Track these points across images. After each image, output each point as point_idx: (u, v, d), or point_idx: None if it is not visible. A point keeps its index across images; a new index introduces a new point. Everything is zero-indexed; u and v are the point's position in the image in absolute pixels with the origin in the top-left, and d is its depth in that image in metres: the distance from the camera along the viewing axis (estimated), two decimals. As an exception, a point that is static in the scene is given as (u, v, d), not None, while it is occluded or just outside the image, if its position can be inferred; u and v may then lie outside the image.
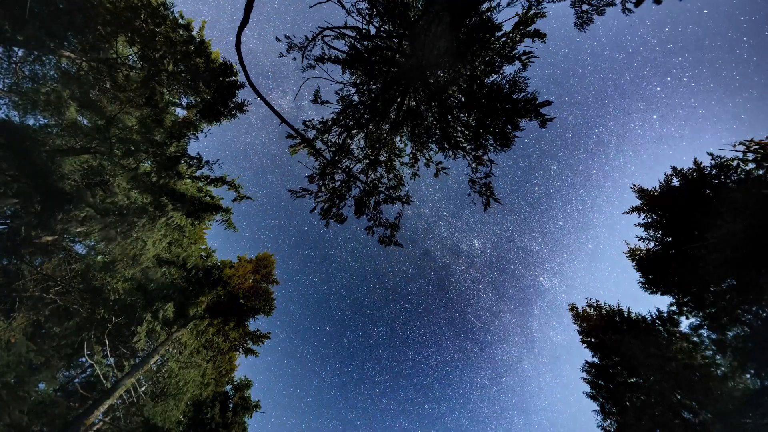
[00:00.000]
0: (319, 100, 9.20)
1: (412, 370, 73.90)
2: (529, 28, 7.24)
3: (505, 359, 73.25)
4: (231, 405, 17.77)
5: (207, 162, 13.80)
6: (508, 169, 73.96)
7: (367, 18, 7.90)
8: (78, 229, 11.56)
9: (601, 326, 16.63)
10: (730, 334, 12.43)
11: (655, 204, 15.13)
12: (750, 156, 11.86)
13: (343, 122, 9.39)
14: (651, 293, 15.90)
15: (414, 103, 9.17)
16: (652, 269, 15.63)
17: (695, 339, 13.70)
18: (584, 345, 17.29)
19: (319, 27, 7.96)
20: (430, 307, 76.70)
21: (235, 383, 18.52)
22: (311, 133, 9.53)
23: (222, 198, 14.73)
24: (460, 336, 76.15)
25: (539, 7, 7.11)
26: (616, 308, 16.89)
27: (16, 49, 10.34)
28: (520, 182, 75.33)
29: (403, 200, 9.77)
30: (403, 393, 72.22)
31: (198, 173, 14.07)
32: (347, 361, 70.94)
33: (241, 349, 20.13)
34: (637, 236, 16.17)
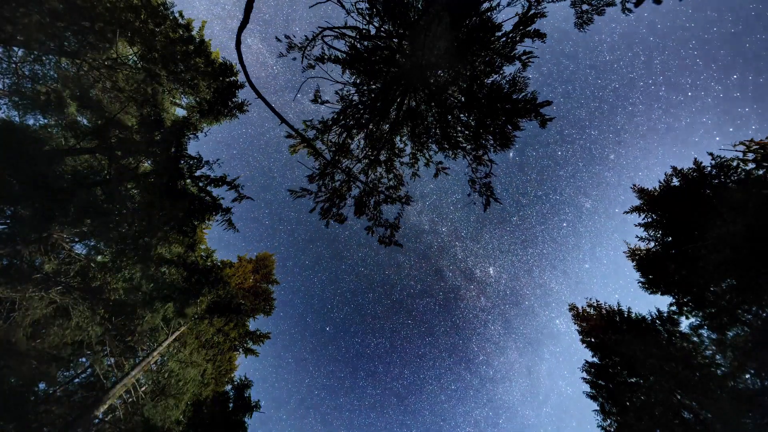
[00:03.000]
0: (319, 100, 9.20)
1: (405, 389, 70.44)
2: (529, 28, 7.23)
3: (506, 400, 68.27)
4: (231, 405, 17.77)
5: (207, 162, 13.78)
6: (536, 200, 69.24)
7: (367, 18, 7.90)
8: (78, 229, 11.56)
9: (601, 326, 16.63)
10: (730, 334, 12.43)
11: (655, 204, 15.13)
12: (750, 156, 11.86)
13: (343, 122, 9.39)
14: (651, 293, 15.89)
15: (414, 103, 9.17)
16: (652, 269, 15.62)
17: (695, 339, 13.70)
18: (584, 345, 17.29)
19: (319, 27, 7.97)
20: (434, 328, 73.01)
21: (235, 383, 18.51)
22: (311, 133, 9.53)
23: (222, 198, 14.72)
24: (460, 365, 72.07)
25: (539, 7, 7.10)
26: (616, 308, 16.88)
27: (16, 49, 10.33)
28: (547, 215, 70.07)
29: (403, 200, 9.77)
30: (393, 412, 68.79)
31: (198, 173, 14.06)
32: (342, 367, 68.81)
33: (241, 349, 20.13)
34: (637, 236, 16.18)
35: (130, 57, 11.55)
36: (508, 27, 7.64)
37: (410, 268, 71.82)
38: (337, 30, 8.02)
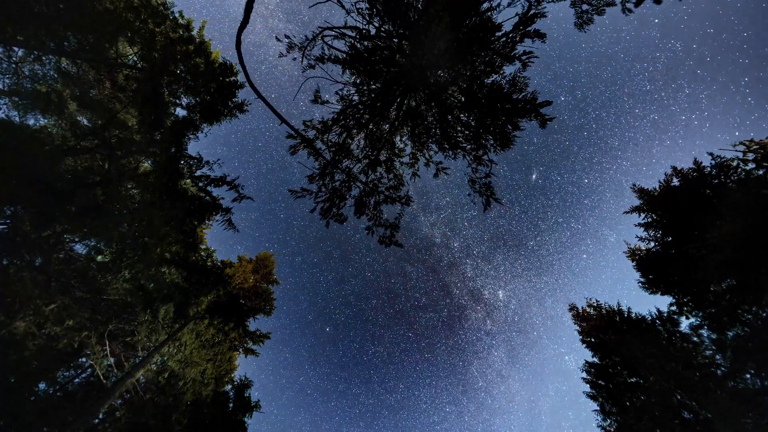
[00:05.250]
0: (319, 100, 9.20)
1: (398, 404, 66.44)
2: (529, 28, 7.24)
3: None
4: (231, 405, 17.77)
5: (207, 162, 13.78)
6: (556, 226, 64.80)
7: (367, 18, 7.90)
8: (78, 229, 11.55)
9: (601, 326, 16.62)
10: (730, 334, 12.42)
11: (655, 204, 15.13)
12: (750, 156, 11.86)
13: (343, 122, 9.39)
14: (651, 293, 15.89)
15: (414, 103, 9.17)
16: (652, 269, 15.62)
17: (695, 339, 13.69)
18: (584, 345, 17.29)
19: (319, 27, 7.97)
20: (434, 344, 69.52)
21: (235, 383, 18.51)
22: (311, 133, 9.53)
23: (222, 198, 14.73)
24: (457, 387, 67.66)
25: (539, 7, 7.11)
26: (616, 308, 16.88)
27: (16, 49, 10.33)
28: (567, 244, 64.60)
29: (403, 201, 9.77)
30: (383, 425, 65.10)
31: (198, 173, 14.07)
32: (337, 370, 66.03)
33: (241, 349, 20.12)
34: (637, 236, 16.17)
35: (130, 57, 11.55)
36: (508, 27, 7.64)
37: (417, 279, 68.35)
38: (337, 30, 8.02)
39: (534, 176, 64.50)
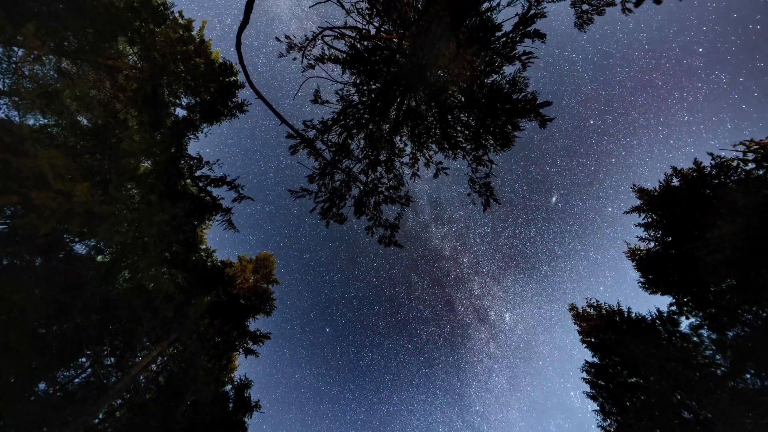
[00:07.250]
0: (319, 100, 9.20)
1: (390, 416, 64.23)
2: (529, 29, 7.24)
3: (499, 462, 60.15)
4: (231, 405, 17.77)
5: (207, 162, 13.78)
6: (574, 254, 61.79)
7: (367, 18, 7.90)
8: (78, 229, 11.55)
9: (601, 326, 16.62)
10: (730, 334, 12.42)
11: (655, 204, 15.12)
12: (750, 156, 11.86)
13: (343, 122, 9.39)
14: (651, 293, 15.89)
15: (414, 103, 9.17)
16: (652, 269, 15.62)
17: (695, 339, 13.69)
18: (584, 345, 17.28)
19: (319, 27, 7.97)
20: (433, 360, 67.34)
21: (235, 383, 18.52)
22: (311, 133, 9.53)
23: (222, 198, 14.74)
24: (453, 408, 65.04)
25: (539, 7, 7.11)
26: (616, 308, 16.88)
27: (16, 49, 10.32)
28: (583, 274, 60.70)
29: (403, 201, 9.77)
30: None
31: (198, 173, 14.07)
32: (332, 373, 64.71)
33: (241, 349, 20.12)
34: (637, 236, 16.18)
35: (130, 57, 11.55)
36: (508, 27, 7.63)
37: (422, 291, 66.59)
38: (337, 30, 8.02)
39: (554, 199, 61.62)
